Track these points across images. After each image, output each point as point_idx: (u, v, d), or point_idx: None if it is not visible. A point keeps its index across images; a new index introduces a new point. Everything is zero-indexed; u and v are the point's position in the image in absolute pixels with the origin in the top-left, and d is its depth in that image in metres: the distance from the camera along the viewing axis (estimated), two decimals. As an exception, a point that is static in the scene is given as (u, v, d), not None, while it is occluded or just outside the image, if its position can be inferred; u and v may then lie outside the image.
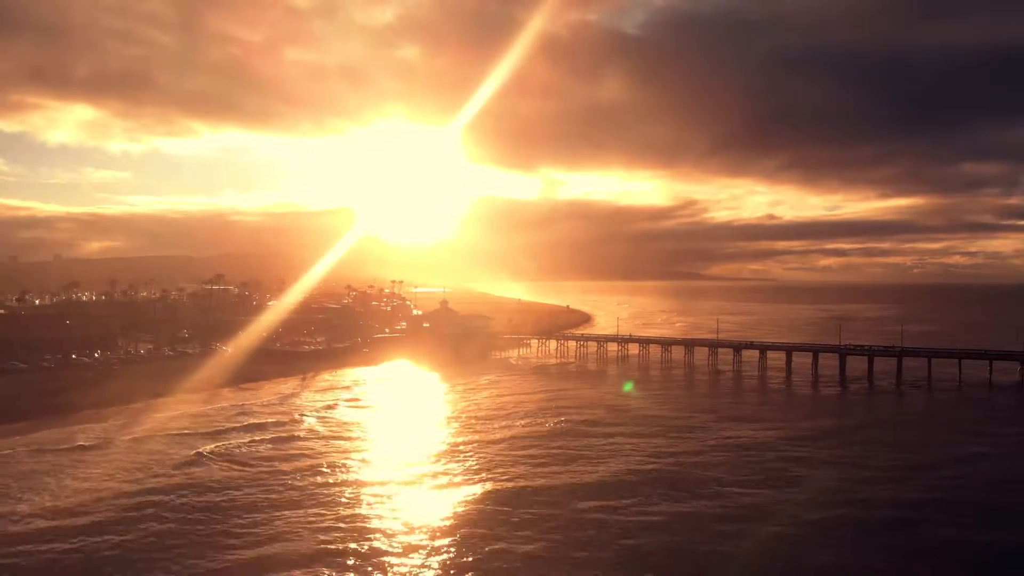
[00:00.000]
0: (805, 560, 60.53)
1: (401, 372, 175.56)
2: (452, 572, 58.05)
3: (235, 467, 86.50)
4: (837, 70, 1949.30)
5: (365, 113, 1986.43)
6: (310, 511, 70.93)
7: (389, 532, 65.85)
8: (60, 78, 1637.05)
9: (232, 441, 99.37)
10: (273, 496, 75.70)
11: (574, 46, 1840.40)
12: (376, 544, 63.14)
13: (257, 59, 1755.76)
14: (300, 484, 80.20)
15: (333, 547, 62.27)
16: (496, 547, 62.10)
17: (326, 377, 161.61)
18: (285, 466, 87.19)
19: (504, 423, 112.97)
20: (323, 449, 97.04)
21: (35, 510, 70.92)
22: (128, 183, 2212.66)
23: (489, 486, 79.33)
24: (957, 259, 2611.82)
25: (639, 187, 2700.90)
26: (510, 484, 79.99)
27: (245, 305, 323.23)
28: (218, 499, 74.29)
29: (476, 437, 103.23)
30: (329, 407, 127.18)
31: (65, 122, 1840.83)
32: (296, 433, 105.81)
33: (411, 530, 66.36)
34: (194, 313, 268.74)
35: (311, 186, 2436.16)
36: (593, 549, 61.90)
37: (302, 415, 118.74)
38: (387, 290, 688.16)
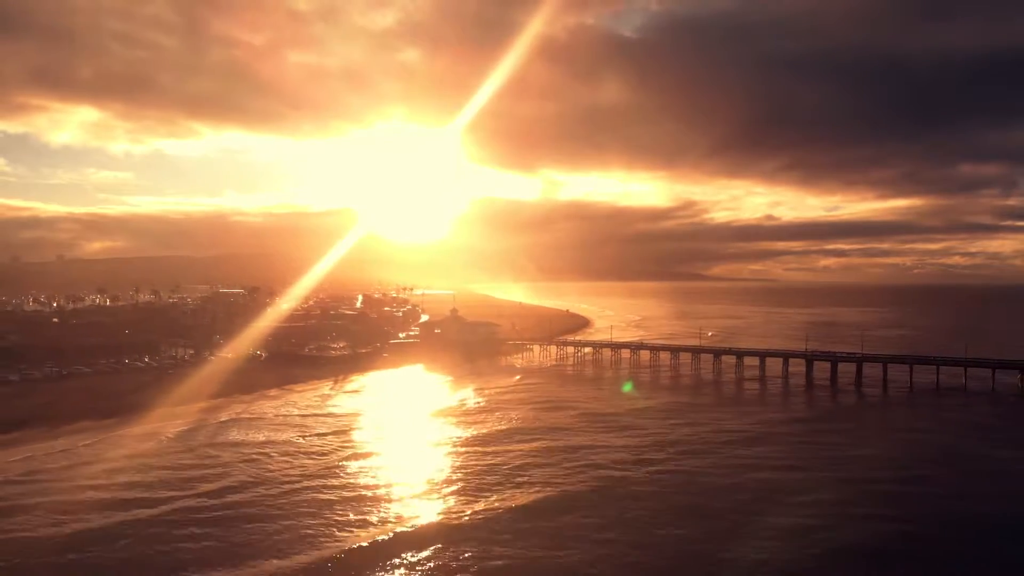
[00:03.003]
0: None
1: (421, 376, 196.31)
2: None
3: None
4: (834, 72, 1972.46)
5: (366, 115, 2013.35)
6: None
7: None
8: (64, 80, 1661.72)
9: (299, 429, 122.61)
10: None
11: (572, 49, 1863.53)
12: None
13: (259, 61, 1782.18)
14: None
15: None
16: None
17: (355, 379, 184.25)
18: (349, 442, 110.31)
19: (523, 410, 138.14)
20: (380, 429, 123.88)
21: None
22: (130, 184, 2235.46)
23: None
24: (957, 259, 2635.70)
25: (639, 188, 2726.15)
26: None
27: (266, 310, 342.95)
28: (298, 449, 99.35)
29: (506, 420, 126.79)
30: (367, 403, 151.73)
31: (68, 123, 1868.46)
32: (352, 424, 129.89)
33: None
34: (222, 318, 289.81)
35: (312, 187, 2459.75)
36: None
37: (348, 409, 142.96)
38: (393, 293, 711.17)
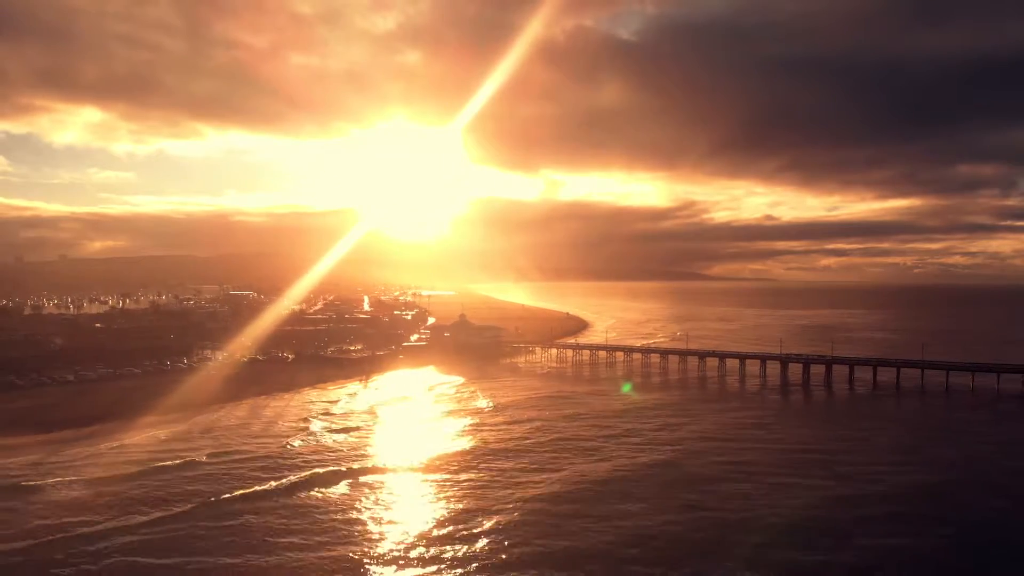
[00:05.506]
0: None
1: (435, 375, 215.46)
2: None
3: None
4: (832, 74, 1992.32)
5: (367, 115, 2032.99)
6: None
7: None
8: (68, 81, 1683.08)
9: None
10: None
11: (571, 51, 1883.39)
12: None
13: (262, 63, 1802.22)
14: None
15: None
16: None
17: (377, 378, 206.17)
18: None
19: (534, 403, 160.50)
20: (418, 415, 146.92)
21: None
22: (132, 183, 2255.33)
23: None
24: (957, 259, 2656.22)
25: (639, 188, 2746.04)
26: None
27: (282, 312, 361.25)
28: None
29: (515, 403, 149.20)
30: (395, 396, 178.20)
31: (72, 124, 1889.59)
32: (386, 411, 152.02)
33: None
34: (244, 321, 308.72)
35: (314, 187, 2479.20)
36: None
37: (382, 401, 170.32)
38: (398, 294, 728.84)
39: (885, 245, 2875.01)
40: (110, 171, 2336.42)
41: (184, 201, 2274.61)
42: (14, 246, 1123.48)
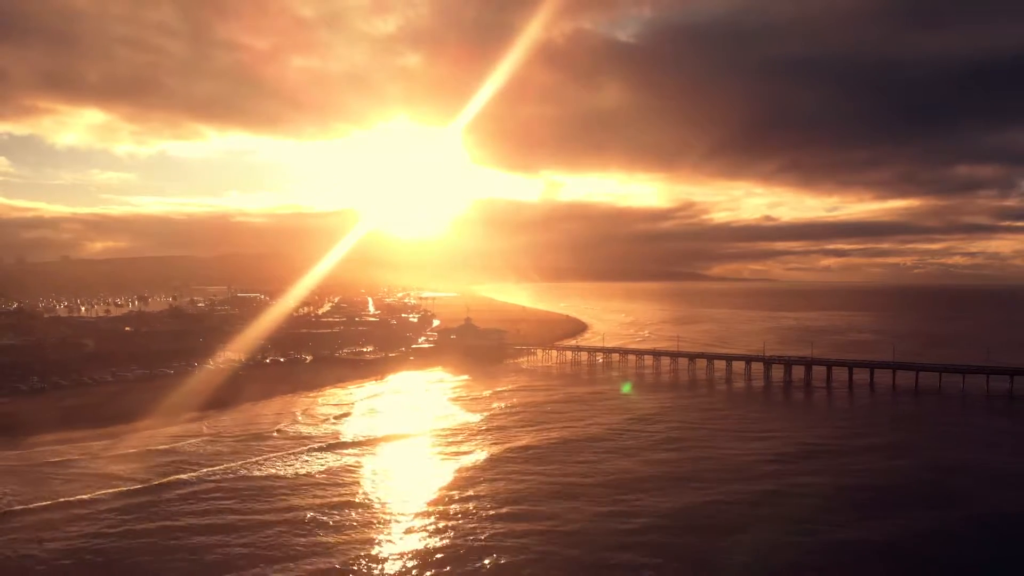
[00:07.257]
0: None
1: (444, 375, 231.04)
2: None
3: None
4: (831, 76, 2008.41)
5: (368, 117, 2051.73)
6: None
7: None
8: (71, 83, 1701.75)
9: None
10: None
11: (571, 53, 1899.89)
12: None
13: (263, 65, 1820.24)
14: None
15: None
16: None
17: (391, 378, 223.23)
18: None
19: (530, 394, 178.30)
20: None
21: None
22: (133, 184, 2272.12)
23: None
24: (958, 259, 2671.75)
25: (639, 189, 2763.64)
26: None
27: (292, 315, 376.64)
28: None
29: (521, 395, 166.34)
30: (409, 390, 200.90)
31: (75, 125, 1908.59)
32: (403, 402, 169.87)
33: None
34: (256, 324, 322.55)
35: (315, 188, 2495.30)
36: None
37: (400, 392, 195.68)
38: (401, 295, 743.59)
39: (885, 245, 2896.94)
40: (112, 172, 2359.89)
41: (185, 202, 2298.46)
42: (16, 247, 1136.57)
